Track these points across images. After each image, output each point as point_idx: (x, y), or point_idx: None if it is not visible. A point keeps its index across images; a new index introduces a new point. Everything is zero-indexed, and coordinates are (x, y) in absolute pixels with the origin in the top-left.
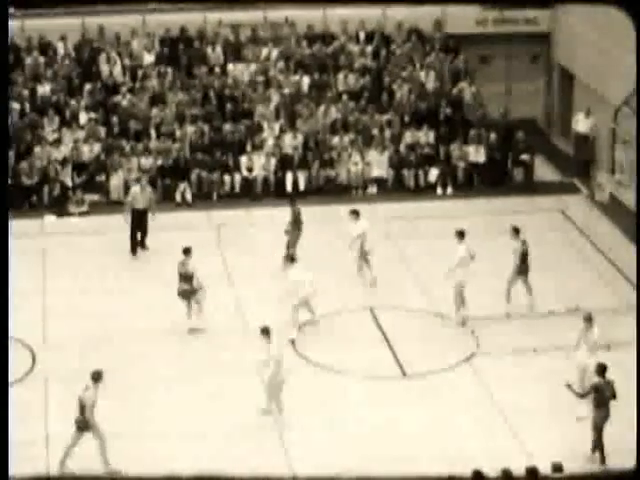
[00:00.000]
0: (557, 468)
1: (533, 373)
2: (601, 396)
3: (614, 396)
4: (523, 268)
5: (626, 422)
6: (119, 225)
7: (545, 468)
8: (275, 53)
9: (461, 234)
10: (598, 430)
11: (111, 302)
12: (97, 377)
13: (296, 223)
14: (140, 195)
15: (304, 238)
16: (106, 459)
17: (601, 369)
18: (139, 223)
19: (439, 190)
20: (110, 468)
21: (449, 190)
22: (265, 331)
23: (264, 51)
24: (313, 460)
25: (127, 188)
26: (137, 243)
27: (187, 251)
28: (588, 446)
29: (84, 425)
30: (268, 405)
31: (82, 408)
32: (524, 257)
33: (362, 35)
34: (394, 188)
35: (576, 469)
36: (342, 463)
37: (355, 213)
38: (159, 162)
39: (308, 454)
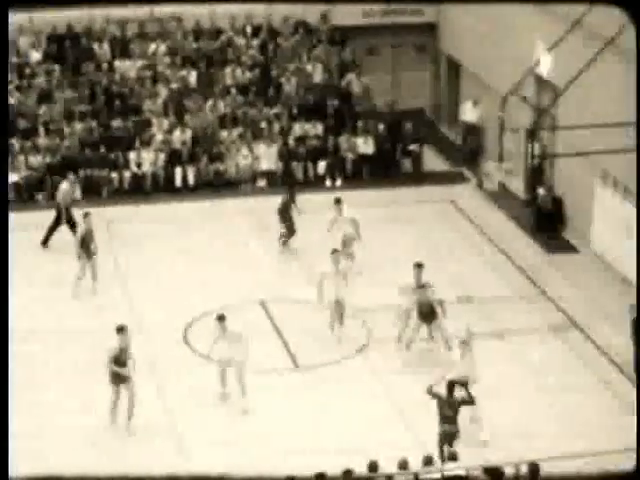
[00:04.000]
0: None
1: (425, 365)
2: (441, 409)
3: (455, 413)
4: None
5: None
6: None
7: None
8: (162, 48)
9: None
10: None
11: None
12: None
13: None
14: (68, 191)
15: (194, 233)
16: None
17: (450, 386)
18: (60, 219)
19: (328, 182)
20: None
21: (338, 182)
22: None
23: (151, 46)
24: (208, 456)
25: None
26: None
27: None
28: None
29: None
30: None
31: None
32: None
33: (249, 29)
34: (283, 181)
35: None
36: (234, 460)
37: (338, 201)
38: (47, 160)
39: (206, 450)
